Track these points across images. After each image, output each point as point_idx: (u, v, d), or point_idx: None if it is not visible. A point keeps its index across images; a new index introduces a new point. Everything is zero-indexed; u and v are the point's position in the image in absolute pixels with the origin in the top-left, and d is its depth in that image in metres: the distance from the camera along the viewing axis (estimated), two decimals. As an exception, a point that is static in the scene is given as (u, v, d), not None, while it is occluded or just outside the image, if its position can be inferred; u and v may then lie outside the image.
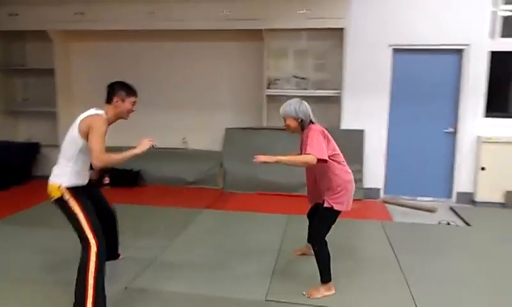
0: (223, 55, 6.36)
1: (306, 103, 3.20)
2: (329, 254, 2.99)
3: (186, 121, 6.60)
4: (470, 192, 5.68)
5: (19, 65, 6.60)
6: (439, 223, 4.84)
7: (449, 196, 5.82)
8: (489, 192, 5.52)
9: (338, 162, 3.14)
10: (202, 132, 6.55)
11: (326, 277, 2.99)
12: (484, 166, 5.50)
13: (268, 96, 6.06)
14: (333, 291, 3.01)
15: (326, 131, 3.14)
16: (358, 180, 5.77)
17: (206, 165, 6.18)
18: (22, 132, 6.83)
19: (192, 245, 3.97)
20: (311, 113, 3.18)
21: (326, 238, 3.00)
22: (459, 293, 3.08)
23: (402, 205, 5.53)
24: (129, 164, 6.18)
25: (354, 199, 3.21)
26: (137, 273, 3.28)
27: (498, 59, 5.47)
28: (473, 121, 5.59)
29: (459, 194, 5.73)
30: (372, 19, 5.62)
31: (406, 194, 5.89)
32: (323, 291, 2.99)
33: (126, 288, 3.05)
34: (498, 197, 5.49)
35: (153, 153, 6.19)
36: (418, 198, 5.85)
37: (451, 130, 5.74)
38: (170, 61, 6.50)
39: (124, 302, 2.87)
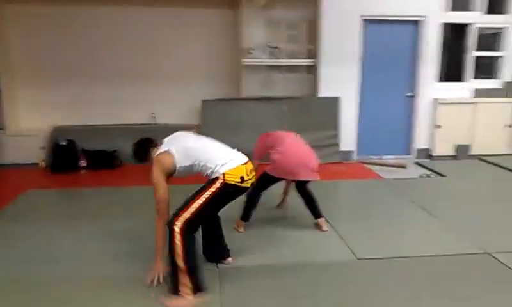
0: (194, 23, 6.19)
1: None
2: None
3: (154, 95, 6.31)
4: (427, 148, 6.58)
5: None
6: (420, 176, 5.59)
7: (410, 152, 6.66)
8: (443, 147, 6.49)
9: None
10: (172, 106, 6.33)
11: None
12: (439, 125, 6.42)
13: (245, 65, 6.11)
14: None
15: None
16: (335, 145, 6.29)
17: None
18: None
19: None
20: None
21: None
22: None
23: (379, 164, 6.18)
24: (103, 145, 5.73)
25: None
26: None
27: (450, 30, 6.35)
28: (430, 85, 6.43)
29: (418, 150, 6.60)
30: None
31: (374, 154, 6.56)
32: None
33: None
34: (450, 151, 6.49)
35: (124, 130, 5.94)
36: (384, 157, 6.57)
37: (411, 94, 6.52)
38: (136, 28, 6.10)
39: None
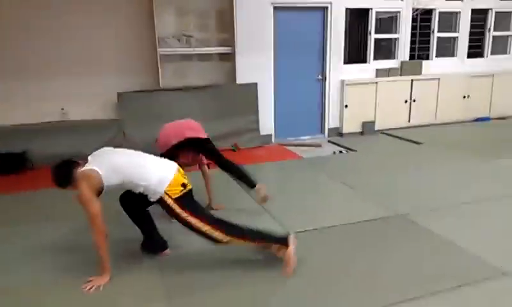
0: (105, 11, 5.87)
1: None
2: None
3: (63, 89, 5.91)
4: (337, 127, 7.09)
5: None
6: (334, 153, 6.03)
7: (322, 132, 7.12)
8: (351, 125, 7.04)
9: None
10: (85, 100, 6.00)
11: None
12: (347, 104, 6.94)
13: (161, 55, 6.00)
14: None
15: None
16: (255, 130, 6.50)
17: (104, 135, 5.78)
18: None
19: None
20: None
21: None
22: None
23: (296, 145, 6.52)
24: (9, 146, 5.27)
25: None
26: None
27: (352, 15, 6.86)
28: (337, 68, 6.90)
29: (330, 129, 7.08)
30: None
31: (291, 136, 6.90)
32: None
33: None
34: (358, 128, 7.06)
35: (33, 129, 5.53)
36: (301, 138, 6.94)
37: (320, 77, 6.94)
38: (42, 16, 5.62)
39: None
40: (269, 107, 6.64)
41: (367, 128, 7.07)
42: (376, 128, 7.15)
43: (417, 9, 7.34)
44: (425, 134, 6.82)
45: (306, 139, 6.93)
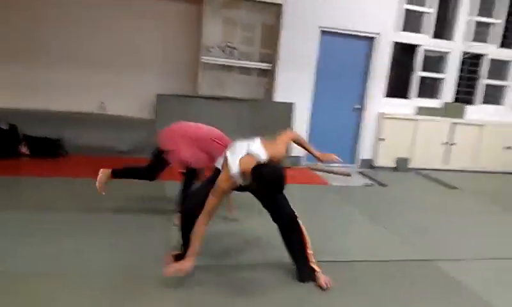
0: (153, 14, 6.06)
1: None
2: None
3: (104, 83, 6.09)
4: (370, 159, 6.97)
5: None
6: (364, 185, 5.93)
7: (354, 162, 7.01)
8: (385, 159, 6.91)
9: None
10: (124, 97, 6.17)
11: None
12: (383, 137, 6.82)
13: (203, 63, 6.10)
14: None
15: None
16: (286, 149, 6.45)
17: (138, 134, 5.91)
18: None
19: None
20: None
21: None
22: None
23: (325, 171, 6.44)
24: (48, 132, 5.44)
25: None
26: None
27: (399, 49, 6.80)
28: (377, 100, 6.82)
29: (362, 160, 6.97)
30: (305, 0, 6.21)
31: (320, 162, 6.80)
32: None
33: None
34: (391, 163, 6.92)
35: (71, 118, 5.70)
36: (331, 164, 6.84)
37: (358, 106, 6.87)
38: (89, 12, 5.86)
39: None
40: (302, 129, 6.60)
41: (401, 164, 6.91)
42: (411, 166, 6.98)
43: (468, 53, 7.18)
44: (461, 180, 6.58)
45: (336, 166, 6.84)
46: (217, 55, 6.22)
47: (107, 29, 5.95)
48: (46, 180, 4.52)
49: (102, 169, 3.60)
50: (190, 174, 3.69)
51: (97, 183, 3.55)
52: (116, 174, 3.62)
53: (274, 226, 2.95)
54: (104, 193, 3.57)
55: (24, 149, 5.14)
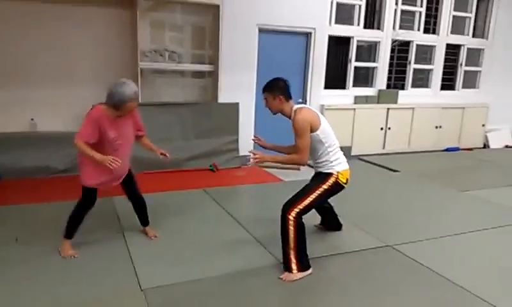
0: (85, 22, 5.72)
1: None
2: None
3: (34, 99, 5.66)
4: (316, 151, 7.18)
5: None
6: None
7: (300, 155, 7.17)
8: (329, 149, 7.14)
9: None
10: (57, 111, 5.77)
11: None
12: (326, 128, 7.05)
13: (141, 69, 5.89)
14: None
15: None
16: (235, 150, 6.47)
17: (75, 149, 5.51)
18: None
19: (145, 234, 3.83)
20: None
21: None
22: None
23: (274, 167, 6.52)
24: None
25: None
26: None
27: (334, 42, 7.04)
28: (317, 92, 7.03)
29: (308, 153, 7.15)
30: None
31: (269, 158, 6.89)
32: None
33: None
34: (335, 152, 7.18)
35: (6, 139, 5.24)
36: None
37: (301, 100, 7.03)
38: (15, 24, 5.38)
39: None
40: (249, 128, 6.64)
41: (344, 152, 7.15)
42: (352, 153, 7.30)
43: (396, 41, 7.63)
44: (400, 162, 7.03)
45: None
46: (155, 60, 6.04)
47: (36, 41, 5.51)
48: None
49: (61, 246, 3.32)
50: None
51: (63, 255, 3.29)
52: (69, 233, 3.32)
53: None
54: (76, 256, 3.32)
55: None
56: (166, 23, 6.15)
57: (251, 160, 3.20)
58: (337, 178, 3.21)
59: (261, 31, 6.46)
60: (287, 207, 3.11)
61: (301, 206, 3.10)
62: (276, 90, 3.25)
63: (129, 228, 3.86)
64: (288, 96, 3.26)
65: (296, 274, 3.08)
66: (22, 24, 5.44)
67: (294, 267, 3.09)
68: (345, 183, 3.28)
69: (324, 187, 3.19)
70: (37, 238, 3.57)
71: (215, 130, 6.27)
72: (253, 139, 3.55)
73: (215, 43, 6.24)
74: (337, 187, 3.25)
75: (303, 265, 3.12)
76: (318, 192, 3.17)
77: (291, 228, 3.06)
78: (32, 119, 5.69)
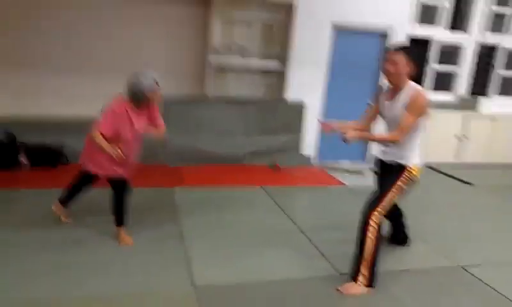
0: (155, 16, 5.82)
1: None
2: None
3: (107, 88, 5.79)
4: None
5: None
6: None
7: (363, 158, 6.86)
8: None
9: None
10: (127, 100, 5.95)
11: None
12: (395, 133, 6.67)
13: (211, 65, 5.91)
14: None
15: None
16: (297, 149, 6.34)
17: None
18: None
19: (207, 229, 3.81)
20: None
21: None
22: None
23: (338, 169, 6.30)
24: (48, 139, 5.24)
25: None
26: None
27: (413, 43, 6.61)
28: (389, 94, 6.64)
29: (372, 156, 6.81)
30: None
31: (331, 158, 6.67)
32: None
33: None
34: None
35: (73, 124, 5.49)
36: (341, 161, 6.70)
37: (371, 103, 6.69)
38: (90, 17, 5.61)
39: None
40: (313, 128, 6.44)
41: (414, 161, 6.77)
42: (425, 161, 6.85)
43: (482, 44, 7.02)
44: (476, 174, 6.48)
45: (346, 163, 6.69)
46: (225, 56, 6.02)
47: (110, 34, 5.70)
48: (45, 192, 4.27)
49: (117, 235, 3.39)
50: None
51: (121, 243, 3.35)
52: (119, 220, 3.38)
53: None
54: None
55: (23, 160, 4.94)
56: (238, 20, 6.05)
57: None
58: (411, 172, 2.93)
59: (335, 28, 6.22)
60: (367, 211, 2.89)
61: (380, 208, 2.87)
62: (410, 56, 2.85)
63: (187, 221, 3.86)
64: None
65: (359, 288, 2.88)
66: (99, 20, 5.66)
67: (361, 279, 2.89)
68: (417, 180, 3.02)
69: (400, 183, 2.92)
70: (96, 222, 3.65)
71: (279, 128, 6.15)
72: (318, 119, 3.23)
73: (286, 40, 6.11)
74: (412, 183, 2.98)
75: (371, 280, 2.91)
76: (395, 189, 2.91)
77: (371, 237, 2.83)
78: (102, 108, 5.92)
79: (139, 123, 3.22)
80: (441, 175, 6.47)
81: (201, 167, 5.68)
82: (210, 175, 5.43)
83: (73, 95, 5.72)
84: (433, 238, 3.97)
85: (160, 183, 4.92)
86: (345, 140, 2.83)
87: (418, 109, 2.80)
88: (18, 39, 5.46)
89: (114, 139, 3.09)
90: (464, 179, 6.18)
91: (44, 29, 5.51)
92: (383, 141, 3.08)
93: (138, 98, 3.11)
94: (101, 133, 3.05)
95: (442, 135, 6.88)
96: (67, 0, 5.51)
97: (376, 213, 2.85)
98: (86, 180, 3.49)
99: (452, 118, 6.91)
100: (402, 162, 2.96)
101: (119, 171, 3.24)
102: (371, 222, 2.84)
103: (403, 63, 2.83)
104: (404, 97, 2.86)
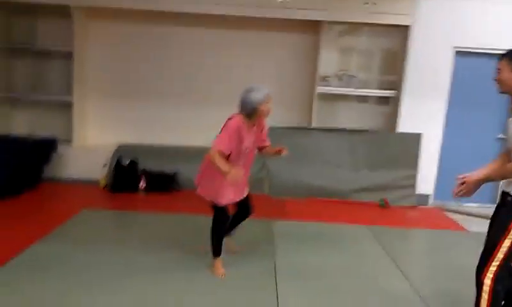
0: (265, 46, 5.98)
1: None
2: None
3: (219, 118, 6.12)
4: (518, 199, 5.87)
5: (25, 44, 5.78)
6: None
7: (494, 201, 5.98)
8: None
9: None
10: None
11: None
12: None
13: (318, 94, 5.83)
14: None
15: None
16: (411, 187, 5.79)
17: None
18: (22, 123, 5.97)
19: (301, 271, 3.63)
20: None
21: None
22: None
23: (460, 213, 5.59)
24: (165, 166, 5.65)
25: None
26: None
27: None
28: (526, 128, 5.74)
29: (507, 200, 5.91)
30: (437, 19, 5.56)
31: (452, 200, 5.92)
32: None
33: None
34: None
35: (186, 152, 5.83)
36: (466, 204, 5.94)
37: (502, 136, 5.87)
38: (205, 50, 6.00)
39: None
40: (431, 163, 5.86)
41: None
42: None
43: None
44: None
45: (473, 206, 5.91)
46: (333, 84, 5.88)
47: (224, 64, 6.00)
48: (157, 217, 4.61)
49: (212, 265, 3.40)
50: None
51: (215, 274, 3.35)
52: (216, 251, 3.37)
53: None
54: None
55: (142, 184, 5.39)
56: (349, 48, 5.93)
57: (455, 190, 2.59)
58: None
59: (458, 53, 5.64)
60: (480, 269, 2.40)
61: (495, 263, 2.34)
62: None
63: (283, 259, 3.73)
64: None
65: None
66: (211, 51, 5.98)
67: None
68: None
69: None
70: (192, 250, 3.74)
71: (390, 162, 5.72)
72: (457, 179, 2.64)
73: (399, 66, 5.73)
74: None
75: None
76: (509, 237, 2.32)
77: (485, 296, 2.35)
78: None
79: (249, 140, 3.22)
80: None
81: (304, 200, 5.54)
82: (312, 209, 5.26)
83: (186, 125, 6.08)
84: None
85: (262, 214, 4.90)
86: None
87: None
88: (144, 74, 6.05)
89: (228, 157, 3.11)
90: None
91: (161, 67, 6.02)
92: (503, 176, 2.49)
93: (249, 110, 3.14)
94: (220, 152, 3.04)
95: None
96: (184, 35, 5.96)
97: (490, 269, 2.35)
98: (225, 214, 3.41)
99: None
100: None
101: (231, 196, 3.24)
102: (484, 281, 2.35)
103: (506, 70, 2.47)
104: None
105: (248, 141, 3.19)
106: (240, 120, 3.15)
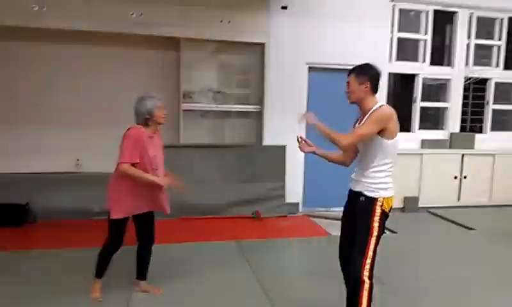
0: (127, 64, 5.72)
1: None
2: None
3: (80, 140, 5.69)
4: (375, 200, 6.40)
5: None
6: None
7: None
8: (391, 199, 6.33)
9: None
10: (100, 153, 5.71)
11: None
12: (387, 176, 6.28)
13: (184, 110, 5.72)
14: None
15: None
16: (281, 197, 5.95)
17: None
18: None
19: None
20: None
21: None
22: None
23: (326, 218, 5.88)
24: (12, 197, 4.98)
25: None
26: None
27: (397, 80, 6.39)
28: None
29: (366, 202, 6.40)
30: (290, 37, 5.89)
31: (320, 206, 6.27)
32: None
33: None
34: (398, 203, 6.32)
35: (42, 180, 5.25)
36: (332, 209, 6.29)
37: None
38: (60, 67, 5.54)
39: None
40: (297, 173, 6.11)
41: (410, 204, 6.36)
42: (420, 204, 6.42)
43: (470, 78, 6.75)
44: (478, 218, 6.00)
45: (337, 210, 6.28)
46: (199, 101, 5.84)
47: (82, 85, 5.59)
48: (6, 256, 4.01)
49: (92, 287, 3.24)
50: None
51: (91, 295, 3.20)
52: (99, 272, 3.23)
53: None
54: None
55: (-16, 220, 4.68)
56: (210, 64, 5.97)
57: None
58: (382, 205, 2.58)
59: (311, 69, 6.03)
60: (358, 268, 2.54)
61: (369, 259, 2.56)
62: (365, 75, 2.77)
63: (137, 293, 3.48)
64: (375, 88, 2.76)
65: None
66: (71, 66, 5.57)
67: None
68: (389, 212, 2.65)
69: (375, 224, 2.56)
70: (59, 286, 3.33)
71: (259, 175, 5.84)
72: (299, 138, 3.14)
73: (261, 82, 5.93)
74: (385, 218, 2.61)
75: None
76: (375, 233, 2.56)
77: (365, 293, 2.54)
78: (77, 159, 5.72)
79: (153, 148, 3.19)
80: (441, 220, 6.00)
81: (178, 221, 5.34)
82: (182, 229, 5.12)
83: (44, 150, 5.53)
84: (425, 295, 3.51)
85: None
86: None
87: (373, 120, 2.62)
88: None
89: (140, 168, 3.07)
90: (466, 224, 5.70)
91: (11, 86, 5.44)
92: (333, 139, 2.92)
93: (144, 118, 3.14)
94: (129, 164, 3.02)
95: (438, 177, 6.49)
96: (34, 52, 5.45)
97: (366, 268, 2.55)
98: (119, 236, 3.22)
99: (447, 158, 6.53)
100: (371, 194, 2.62)
101: (130, 203, 3.14)
102: (365, 279, 2.54)
103: (354, 84, 2.80)
104: (370, 112, 2.67)
105: (152, 151, 3.16)
106: (140, 129, 3.13)
